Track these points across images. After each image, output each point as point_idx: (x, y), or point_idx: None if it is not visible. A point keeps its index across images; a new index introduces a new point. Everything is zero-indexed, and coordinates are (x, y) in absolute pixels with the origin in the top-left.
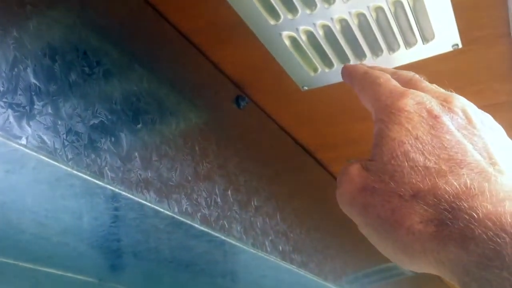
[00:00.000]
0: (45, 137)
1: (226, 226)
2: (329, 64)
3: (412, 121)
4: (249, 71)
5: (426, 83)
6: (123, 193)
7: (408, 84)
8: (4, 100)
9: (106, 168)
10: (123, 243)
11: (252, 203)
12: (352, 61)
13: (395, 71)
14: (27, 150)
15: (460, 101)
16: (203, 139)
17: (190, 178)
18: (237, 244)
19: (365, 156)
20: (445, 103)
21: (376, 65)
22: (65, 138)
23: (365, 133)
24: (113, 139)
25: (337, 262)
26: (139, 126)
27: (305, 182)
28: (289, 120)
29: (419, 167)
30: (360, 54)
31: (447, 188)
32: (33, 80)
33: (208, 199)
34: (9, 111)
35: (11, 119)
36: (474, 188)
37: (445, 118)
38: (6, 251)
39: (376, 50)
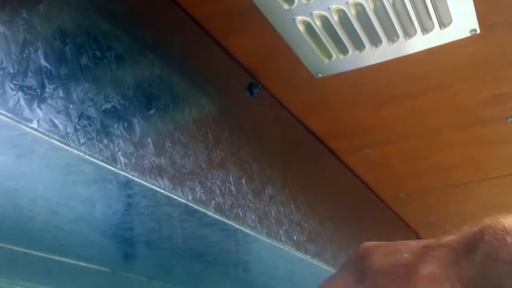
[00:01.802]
0: (56, 121)
1: (241, 214)
2: (344, 50)
3: None
4: (262, 58)
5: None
6: (137, 179)
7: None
8: (14, 82)
9: (119, 153)
10: (136, 232)
11: (266, 192)
12: (368, 47)
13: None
14: (38, 134)
15: None
16: (216, 126)
17: (203, 166)
18: (252, 233)
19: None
20: None
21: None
22: (77, 122)
23: (377, 121)
24: (125, 124)
25: (352, 253)
26: (151, 111)
27: (318, 171)
28: (302, 108)
29: None
30: (375, 40)
31: None
32: (43, 63)
33: (222, 187)
34: (20, 93)
35: (22, 102)
36: None
37: None
38: (17, 239)
39: (392, 36)
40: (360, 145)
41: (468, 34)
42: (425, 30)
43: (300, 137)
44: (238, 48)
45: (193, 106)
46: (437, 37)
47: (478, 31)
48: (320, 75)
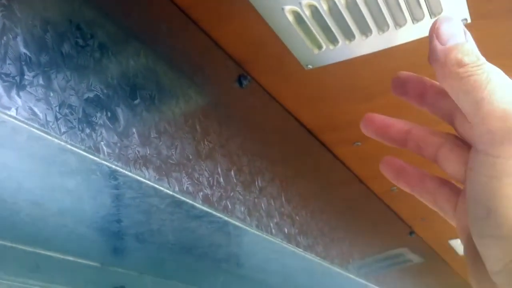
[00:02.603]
0: (36, 109)
1: (229, 206)
2: (334, 40)
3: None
4: (251, 49)
5: None
6: (120, 169)
7: None
8: None
9: (102, 143)
10: (124, 225)
11: (256, 184)
12: (358, 37)
13: None
14: (17, 122)
15: None
16: (204, 117)
17: (191, 157)
18: (241, 225)
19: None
20: None
21: None
22: (57, 111)
23: None
24: (109, 113)
25: (344, 246)
26: (136, 101)
27: (309, 163)
28: (292, 100)
29: None
30: (365, 30)
31: None
32: (23, 50)
33: (210, 178)
34: None
35: (0, 89)
36: None
37: None
38: (3, 233)
39: (382, 25)
40: (351, 138)
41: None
42: (416, 19)
43: (290, 129)
44: (226, 38)
45: (180, 97)
46: (428, 27)
47: (469, 20)
48: (310, 66)
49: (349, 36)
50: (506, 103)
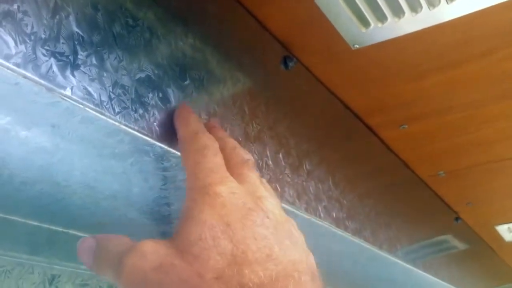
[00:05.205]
0: (90, 89)
1: (279, 189)
2: (382, 18)
3: (225, 208)
4: (296, 29)
5: (253, 173)
6: (173, 151)
7: (237, 166)
8: (46, 48)
9: (155, 124)
10: (174, 208)
11: (304, 167)
12: (407, 13)
13: (235, 146)
14: (72, 102)
15: (271, 203)
16: (251, 99)
17: (240, 139)
18: (290, 208)
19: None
20: (258, 201)
21: (218, 126)
22: (111, 91)
23: (416, 95)
24: (160, 94)
25: (391, 231)
26: (186, 82)
27: (355, 147)
28: (338, 82)
29: (227, 254)
30: (416, 6)
31: (252, 277)
32: (75, 29)
33: (259, 161)
34: (52, 59)
35: (55, 68)
36: (278, 281)
37: (257, 213)
38: (55, 218)
39: (432, 0)
40: (397, 120)
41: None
42: None
43: (336, 112)
44: (272, 19)
45: (228, 78)
46: (480, 0)
47: None
48: (357, 46)
49: (399, 12)
50: None
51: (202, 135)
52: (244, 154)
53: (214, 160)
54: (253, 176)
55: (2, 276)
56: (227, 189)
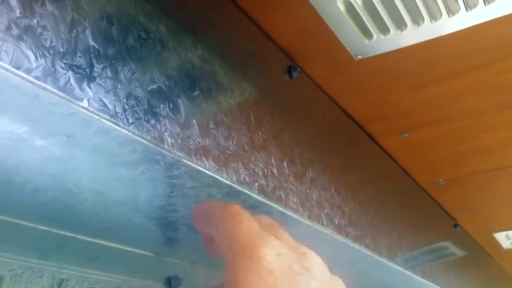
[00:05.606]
0: (106, 100)
1: (283, 197)
2: (385, 30)
3: (272, 275)
4: (300, 39)
5: (285, 233)
6: (183, 160)
7: (266, 228)
8: (64, 61)
9: (166, 134)
10: (180, 214)
11: (307, 175)
12: (410, 26)
13: (258, 217)
14: (89, 113)
15: (316, 261)
16: (257, 108)
17: (246, 148)
18: (294, 215)
19: None
20: (303, 259)
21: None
22: (125, 102)
23: (417, 104)
24: (171, 105)
25: (392, 238)
26: (195, 93)
27: (357, 154)
28: (340, 91)
29: None
30: (418, 18)
31: None
32: (91, 43)
33: (264, 169)
34: (70, 72)
35: (72, 80)
36: None
37: (302, 276)
38: (65, 223)
39: (434, 13)
40: (399, 128)
41: None
42: (469, 6)
43: (338, 121)
44: (276, 28)
45: (235, 88)
46: (481, 14)
47: None
48: (360, 57)
49: (401, 25)
50: None
51: (234, 205)
52: (268, 219)
53: (251, 223)
54: (286, 233)
55: (12, 279)
56: (270, 250)
